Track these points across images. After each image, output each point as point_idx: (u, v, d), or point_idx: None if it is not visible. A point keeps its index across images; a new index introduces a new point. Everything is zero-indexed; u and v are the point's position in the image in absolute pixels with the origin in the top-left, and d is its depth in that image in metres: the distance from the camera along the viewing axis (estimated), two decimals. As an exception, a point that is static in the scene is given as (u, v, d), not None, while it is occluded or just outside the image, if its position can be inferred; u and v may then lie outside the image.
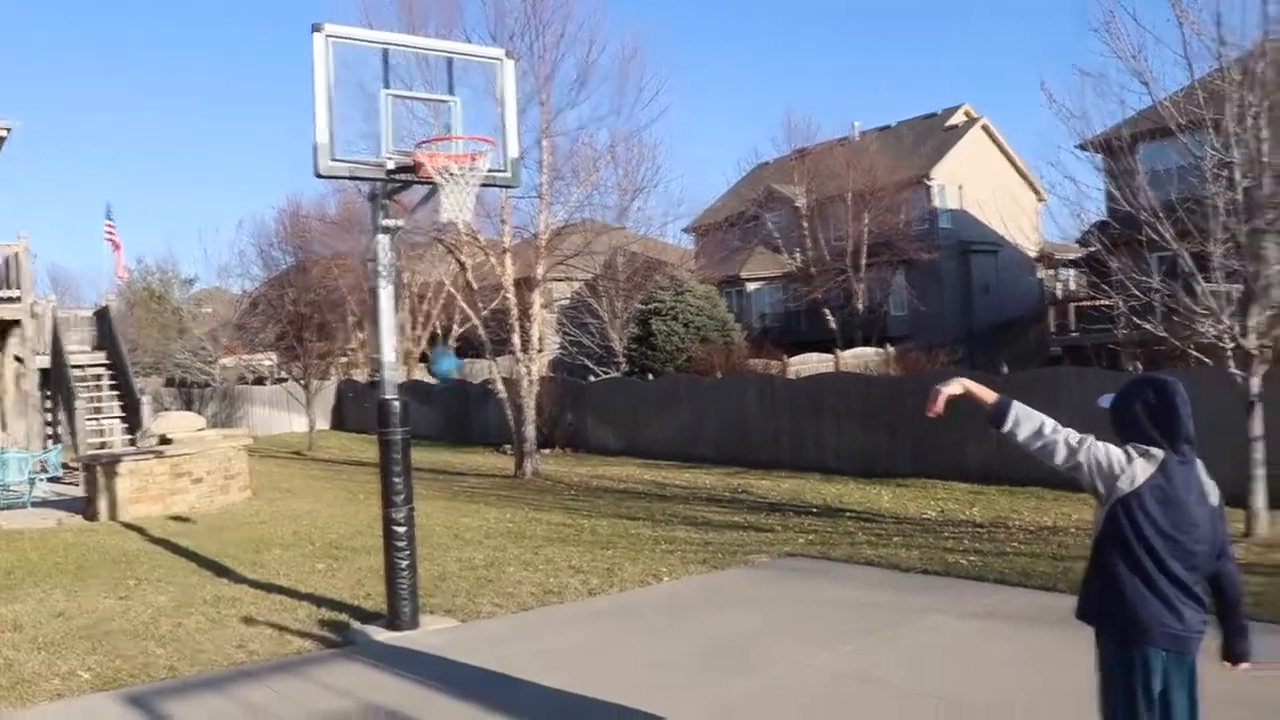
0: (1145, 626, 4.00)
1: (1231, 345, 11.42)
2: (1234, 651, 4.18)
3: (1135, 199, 12.13)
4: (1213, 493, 4.06)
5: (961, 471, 17.78)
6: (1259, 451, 11.59)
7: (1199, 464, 4.08)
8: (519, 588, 10.15)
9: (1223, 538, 4.08)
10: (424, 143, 9.21)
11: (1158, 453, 4.02)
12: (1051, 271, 44.62)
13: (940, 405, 4.38)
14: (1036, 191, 43.39)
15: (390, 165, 8.77)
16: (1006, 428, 4.19)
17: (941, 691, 6.63)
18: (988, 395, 4.29)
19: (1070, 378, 17.46)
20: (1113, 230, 14.50)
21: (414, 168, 8.67)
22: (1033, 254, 42.85)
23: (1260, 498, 11.55)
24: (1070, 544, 11.48)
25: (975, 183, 41.75)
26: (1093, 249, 18.31)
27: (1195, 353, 12.23)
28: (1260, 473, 11.57)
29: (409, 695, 6.95)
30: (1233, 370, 11.53)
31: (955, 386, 4.38)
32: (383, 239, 9.00)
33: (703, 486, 18.28)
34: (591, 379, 28.98)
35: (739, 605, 9.26)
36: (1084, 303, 31.80)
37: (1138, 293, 12.83)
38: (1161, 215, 11.80)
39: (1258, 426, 11.58)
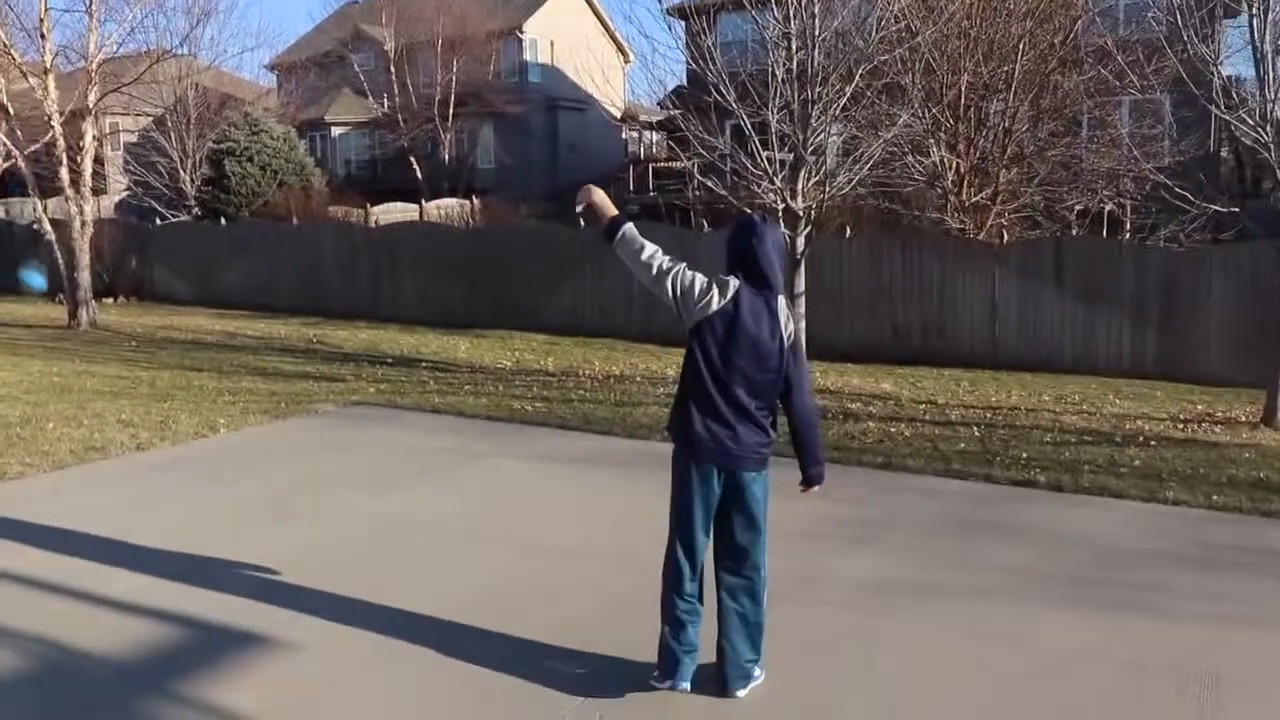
0: (700, 443, 4.23)
1: (782, 206, 12.23)
2: (805, 476, 4.48)
3: (706, 63, 12.55)
4: (787, 328, 4.26)
5: (540, 323, 18.17)
6: (801, 306, 12.62)
7: (780, 301, 4.29)
8: (57, 445, 9.17)
9: (794, 372, 4.27)
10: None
11: (734, 283, 4.26)
12: (635, 133, 46.09)
13: (581, 206, 4.64)
14: (624, 54, 44.36)
15: None
16: (614, 242, 4.51)
17: (497, 531, 6.73)
18: (609, 211, 4.59)
19: (644, 231, 18.15)
20: (686, 93, 15.02)
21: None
22: (617, 114, 44.04)
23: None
24: (633, 391, 12.04)
25: (566, 40, 41.91)
26: (673, 112, 18.98)
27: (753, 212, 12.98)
28: (801, 326, 12.59)
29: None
30: (784, 230, 12.38)
31: (594, 194, 4.61)
32: None
33: (277, 337, 17.46)
34: (160, 223, 26.62)
35: (298, 454, 8.95)
36: (661, 163, 33.15)
37: (705, 153, 13.43)
38: (728, 81, 12.30)
39: (800, 283, 12.58)
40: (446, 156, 39.23)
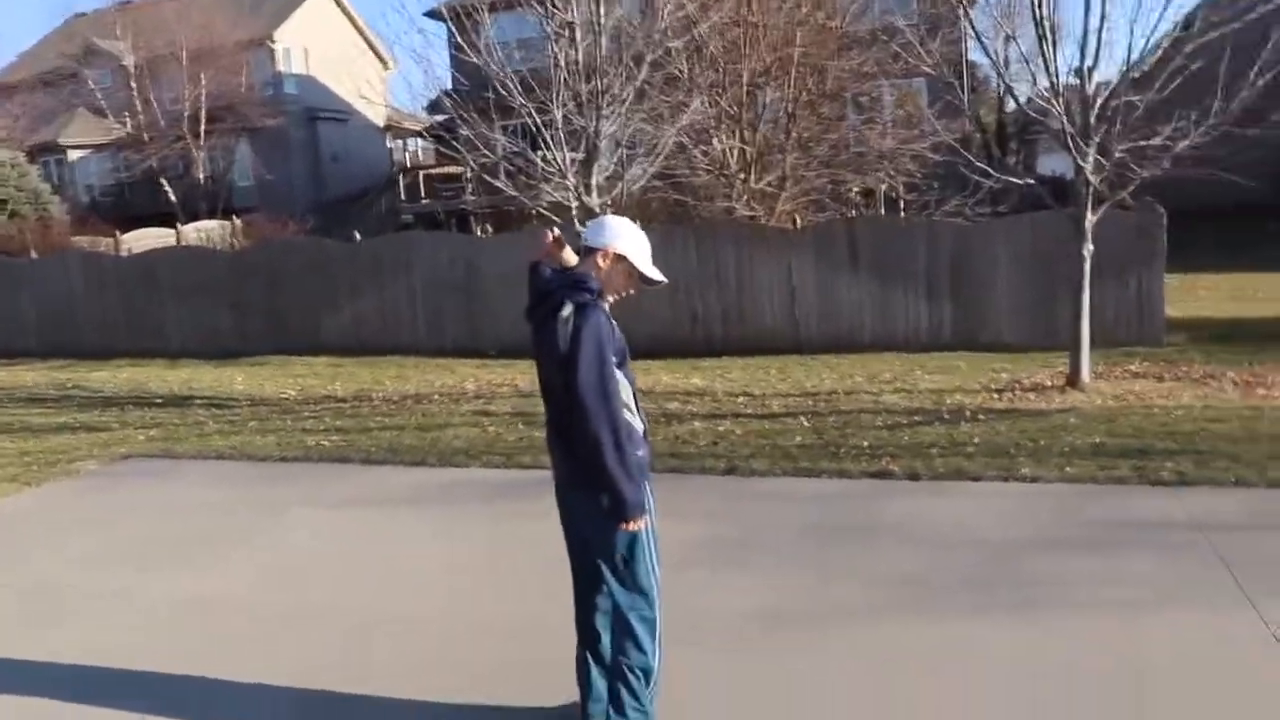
0: None
1: (576, 204, 11.67)
2: None
3: (486, 61, 11.86)
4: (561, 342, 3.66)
5: (319, 346, 17.04)
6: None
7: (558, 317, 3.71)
8: None
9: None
10: None
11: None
12: (400, 141, 44.70)
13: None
14: (383, 60, 42.95)
15: None
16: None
17: (324, 602, 5.79)
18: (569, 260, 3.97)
19: (424, 240, 17.49)
20: (465, 92, 14.27)
21: None
22: (381, 123, 42.58)
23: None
24: (435, 412, 11.21)
25: (322, 47, 40.20)
26: (442, 117, 18.16)
27: (545, 212, 12.39)
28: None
29: None
30: (579, 228, 11.81)
31: (552, 243, 3.97)
32: None
33: (22, 385, 15.62)
34: None
35: (59, 529, 7.64)
36: (434, 170, 32.11)
37: (487, 154, 12.74)
38: (510, 74, 11.66)
39: (602, 283, 12.03)
40: (201, 176, 36.82)
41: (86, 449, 10.28)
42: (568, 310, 3.65)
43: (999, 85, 10.10)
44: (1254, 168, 20.73)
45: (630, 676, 3.82)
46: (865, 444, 8.35)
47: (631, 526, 3.67)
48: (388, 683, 4.60)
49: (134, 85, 36.80)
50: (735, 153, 15.81)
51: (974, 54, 23.47)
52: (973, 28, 10.82)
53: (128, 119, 38.00)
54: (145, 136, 36.36)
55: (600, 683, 3.87)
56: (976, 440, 8.25)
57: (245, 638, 5.32)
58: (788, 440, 8.68)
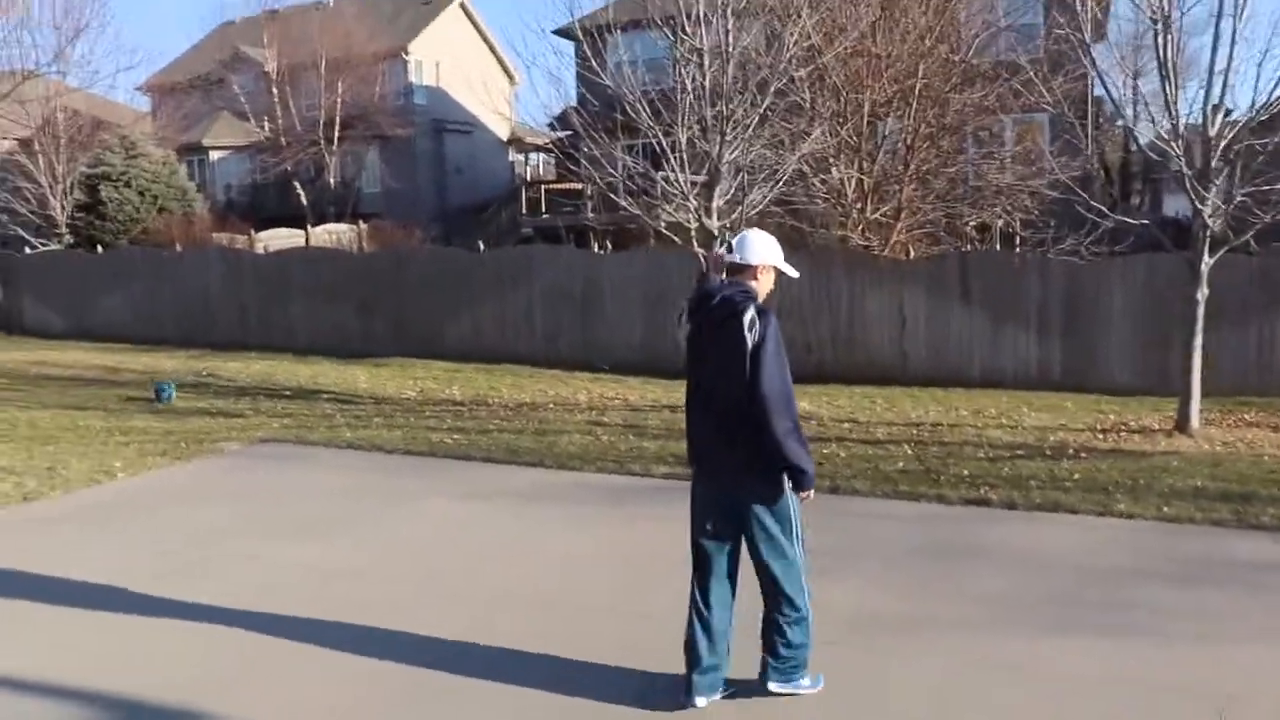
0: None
1: (696, 225, 12.06)
2: None
3: (616, 83, 12.33)
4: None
5: (439, 351, 17.69)
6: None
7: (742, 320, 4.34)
8: (-70, 496, 8.43)
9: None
10: None
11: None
12: (522, 156, 45.72)
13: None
14: (510, 75, 44.01)
15: None
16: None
17: (427, 579, 6.30)
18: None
19: (544, 253, 17.98)
20: (592, 111, 14.78)
21: None
22: (505, 137, 43.65)
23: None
24: (550, 419, 11.69)
25: (452, 61, 41.37)
26: (564, 134, 18.74)
27: (667, 232, 12.81)
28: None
29: None
30: (697, 249, 12.20)
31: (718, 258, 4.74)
32: None
33: (163, 371, 16.59)
34: (29, 251, 25.23)
35: (208, 499, 8.34)
36: (554, 185, 32.83)
37: (613, 173, 13.20)
38: (640, 96, 12.10)
39: (716, 303, 12.39)
40: (332, 180, 38.23)
41: (225, 432, 11.04)
42: (750, 314, 4.31)
43: (1123, 124, 10.20)
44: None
45: (804, 627, 4.51)
46: (966, 473, 8.56)
47: (809, 496, 4.43)
48: (508, 644, 5.05)
49: (274, 91, 38.40)
50: (853, 182, 16.03)
51: (1100, 90, 23.29)
52: (1094, 67, 10.92)
53: (266, 123, 39.66)
54: (282, 141, 37.91)
55: (711, 654, 4.48)
56: (1076, 476, 8.40)
57: (383, 599, 5.85)
58: (890, 465, 8.94)
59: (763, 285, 4.54)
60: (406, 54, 40.57)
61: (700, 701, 4.48)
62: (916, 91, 15.87)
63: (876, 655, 5.05)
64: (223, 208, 36.51)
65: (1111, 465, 8.81)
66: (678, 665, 4.54)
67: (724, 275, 4.59)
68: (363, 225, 31.28)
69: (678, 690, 4.52)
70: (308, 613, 5.69)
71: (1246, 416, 11.55)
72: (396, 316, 18.38)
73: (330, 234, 30.12)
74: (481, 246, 18.98)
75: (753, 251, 4.51)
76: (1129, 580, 6.01)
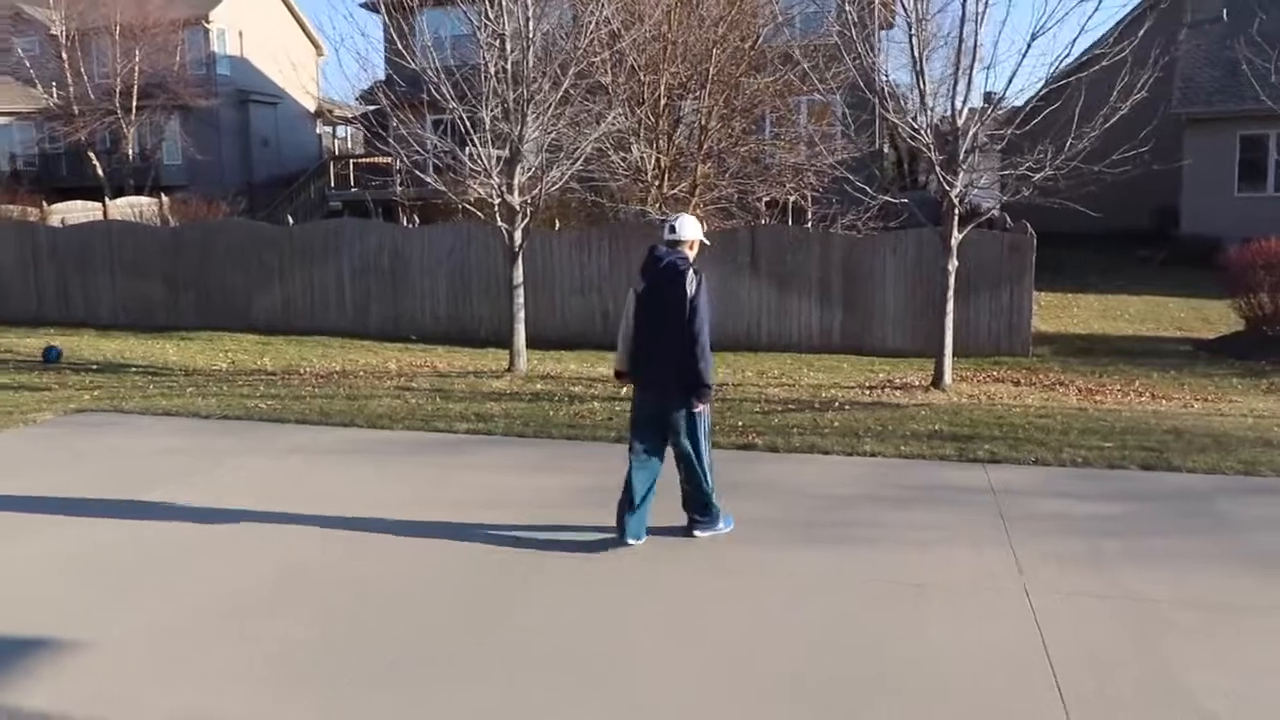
0: None
1: (499, 201, 12.72)
2: None
3: (420, 59, 12.82)
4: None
5: (247, 323, 17.90)
6: (520, 297, 13.17)
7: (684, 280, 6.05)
8: None
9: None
10: None
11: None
12: (330, 128, 45.16)
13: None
14: (317, 46, 43.38)
15: None
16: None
17: (262, 523, 6.86)
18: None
19: (353, 227, 18.25)
20: (397, 88, 15.19)
21: None
22: (312, 109, 43.04)
23: (520, 339, 13.17)
24: (361, 386, 12.18)
25: (256, 31, 40.56)
26: (374, 107, 19.02)
27: (471, 208, 13.41)
28: (520, 315, 13.18)
29: None
30: (500, 224, 12.87)
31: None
32: None
33: (-50, 347, 16.19)
34: None
35: (29, 467, 8.56)
36: (363, 159, 32.77)
37: (419, 149, 13.70)
38: (443, 77, 12.62)
39: (518, 275, 13.12)
40: (130, 152, 36.95)
41: (35, 404, 11.10)
42: (691, 276, 6.04)
43: (892, 111, 11.34)
44: (1130, 200, 22.51)
45: (709, 495, 6.36)
46: (740, 424, 9.58)
47: (705, 406, 6.21)
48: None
49: (64, 56, 36.76)
50: (652, 160, 16.96)
51: (900, 73, 24.87)
52: (861, 60, 12.06)
53: (55, 90, 37.92)
54: (75, 109, 36.36)
55: (633, 513, 6.23)
56: (836, 424, 9.53)
57: (227, 542, 6.39)
58: (673, 418, 9.89)
59: (693, 253, 6.31)
60: (208, 22, 39.52)
61: (631, 541, 6.22)
62: (710, 76, 16.90)
63: (654, 564, 6.02)
64: (8, 178, 34.92)
65: (869, 415, 9.98)
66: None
67: (665, 246, 6.26)
68: (165, 198, 30.57)
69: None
70: (171, 556, 6.21)
71: (995, 374, 13.04)
72: (204, 290, 18.41)
73: (131, 207, 29.35)
74: (290, 220, 19.13)
75: (687, 230, 6.31)
76: (862, 504, 7.14)
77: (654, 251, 6.28)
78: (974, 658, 4.72)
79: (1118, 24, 17.64)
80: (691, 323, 5.95)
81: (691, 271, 6.06)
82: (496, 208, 12.79)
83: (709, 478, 6.32)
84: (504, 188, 12.62)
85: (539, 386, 11.93)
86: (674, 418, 6.16)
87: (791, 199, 19.43)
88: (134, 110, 36.37)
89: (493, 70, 12.31)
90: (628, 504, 6.24)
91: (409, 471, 8.26)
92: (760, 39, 18.36)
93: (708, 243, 6.62)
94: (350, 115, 32.81)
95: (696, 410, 6.16)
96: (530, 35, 12.28)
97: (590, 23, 13.50)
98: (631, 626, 5.16)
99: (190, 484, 7.84)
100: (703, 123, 17.22)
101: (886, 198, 13.00)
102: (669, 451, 6.29)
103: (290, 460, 8.68)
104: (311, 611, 5.35)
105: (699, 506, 6.39)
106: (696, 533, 6.39)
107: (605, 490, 6.66)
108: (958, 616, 5.19)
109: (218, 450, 8.96)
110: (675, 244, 6.26)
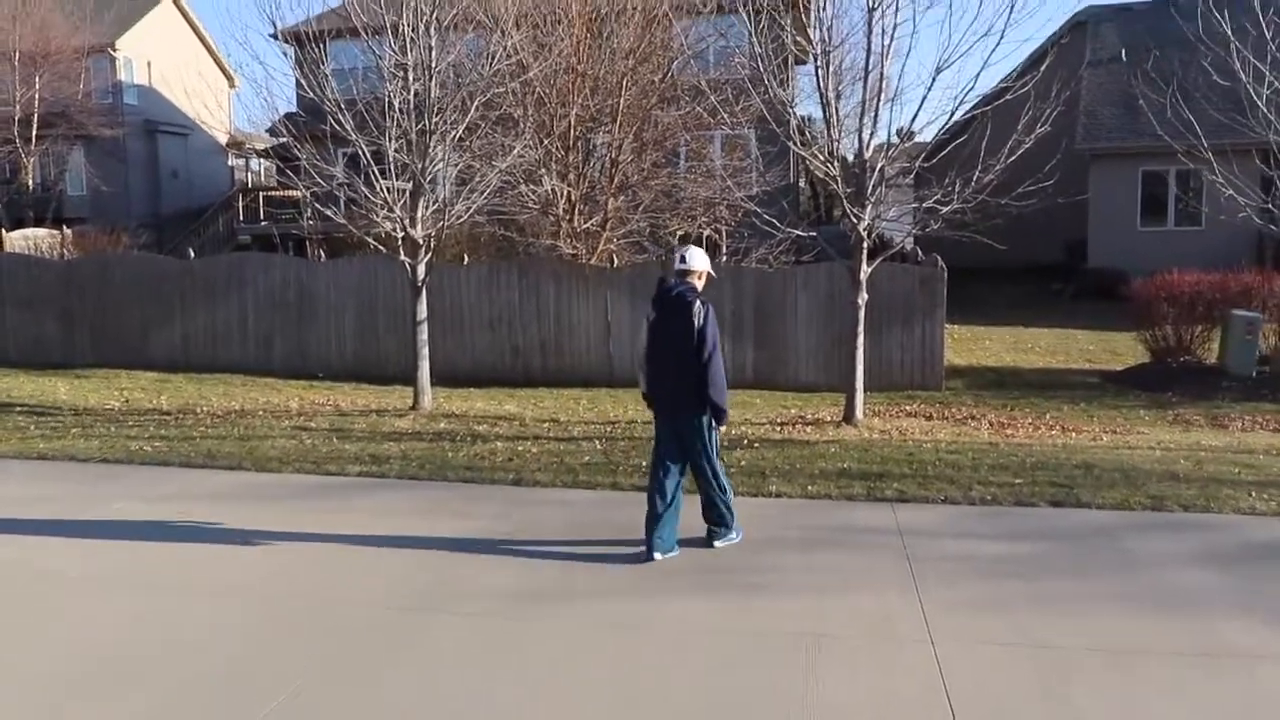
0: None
1: (402, 235, 12.37)
2: None
3: (321, 91, 12.47)
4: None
5: (147, 361, 17.24)
6: (424, 333, 12.81)
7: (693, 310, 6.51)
8: None
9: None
10: None
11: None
12: (242, 160, 44.29)
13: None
14: (229, 77, 42.58)
15: None
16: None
17: (124, 575, 6.42)
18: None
19: (258, 261, 17.73)
20: (300, 120, 14.79)
21: None
22: (223, 140, 42.17)
23: (425, 375, 12.80)
24: (258, 425, 11.72)
25: (165, 60, 39.66)
26: (283, 139, 18.56)
27: (373, 242, 13.04)
28: (424, 351, 12.81)
29: None
30: (403, 258, 12.52)
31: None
32: None
33: None
34: None
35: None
36: (273, 191, 32.14)
37: (322, 182, 13.31)
38: (345, 109, 12.28)
39: (422, 310, 12.76)
40: (30, 182, 35.80)
41: (-105, 450, 10.46)
42: (698, 306, 6.48)
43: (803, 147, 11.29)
44: (1044, 234, 22.86)
45: (727, 504, 6.78)
46: (644, 464, 9.29)
47: (723, 428, 6.77)
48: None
49: (-41, 83, 35.53)
50: (563, 193, 16.74)
51: (813, 108, 24.98)
52: (771, 94, 11.96)
53: (-51, 118, 36.63)
54: (-31, 138, 35.13)
55: (669, 524, 6.61)
56: (743, 463, 9.30)
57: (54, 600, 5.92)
58: (576, 459, 9.58)
59: (702, 284, 6.73)
60: (114, 50, 38.53)
61: (657, 556, 6.49)
62: (621, 109, 16.76)
63: (528, 623, 5.63)
64: (-109, 207, 33.62)
65: (777, 454, 9.78)
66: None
67: (675, 277, 6.69)
68: (66, 230, 29.59)
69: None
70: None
71: (908, 408, 12.95)
72: (99, 325, 17.71)
73: (27, 239, 28.31)
74: (192, 254, 18.54)
75: (696, 261, 6.77)
76: (764, 547, 6.87)
77: (664, 283, 6.72)
78: (873, 716, 4.48)
79: (1022, 61, 17.91)
80: (700, 352, 6.40)
81: (699, 302, 6.49)
82: (400, 241, 12.44)
83: (722, 485, 6.75)
84: (407, 221, 12.29)
85: (442, 425, 11.56)
86: (684, 434, 6.59)
87: (705, 233, 19.35)
88: (34, 139, 35.23)
89: (396, 102, 12.00)
90: (650, 519, 6.59)
91: (289, 517, 7.82)
92: (670, 72, 18.28)
93: (714, 275, 7.11)
94: (263, 147, 32.21)
95: (710, 427, 6.61)
96: (434, 65, 12.00)
97: (497, 53, 13.27)
98: (499, 685, 4.83)
99: (47, 537, 7.36)
100: (614, 155, 17.07)
101: (798, 232, 12.88)
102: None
103: (161, 506, 8.21)
104: (141, 695, 4.95)
105: (716, 515, 6.78)
106: (716, 543, 6.77)
107: (491, 534, 6.36)
108: (856, 668, 4.96)
109: (87, 496, 8.47)
110: (685, 274, 6.69)
